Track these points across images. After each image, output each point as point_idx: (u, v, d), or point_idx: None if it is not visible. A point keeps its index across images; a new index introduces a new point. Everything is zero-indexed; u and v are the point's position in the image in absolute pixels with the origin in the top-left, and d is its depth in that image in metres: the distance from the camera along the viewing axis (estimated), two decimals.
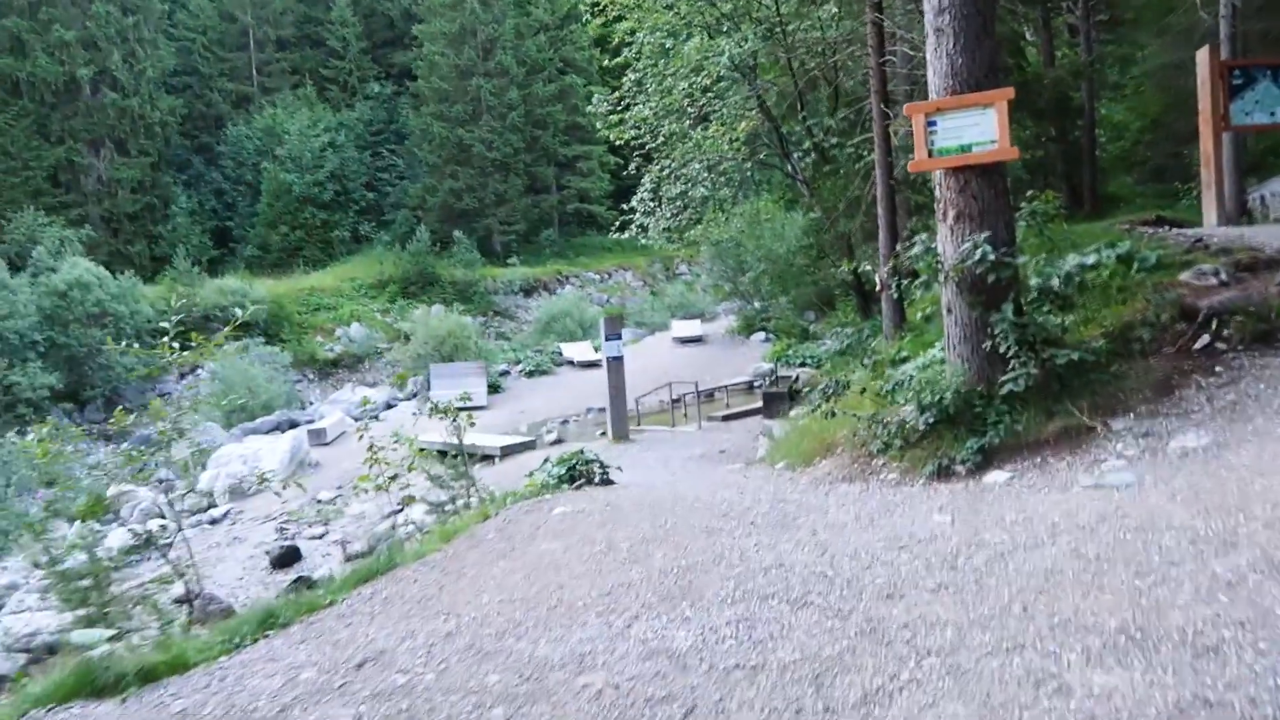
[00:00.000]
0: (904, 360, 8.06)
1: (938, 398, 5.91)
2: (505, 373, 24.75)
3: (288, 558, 11.24)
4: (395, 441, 8.76)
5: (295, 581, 9.53)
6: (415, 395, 22.46)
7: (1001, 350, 5.68)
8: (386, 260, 39.16)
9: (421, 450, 16.47)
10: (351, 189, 47.26)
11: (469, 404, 20.35)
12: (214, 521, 13.69)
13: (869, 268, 8.96)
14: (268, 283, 37.92)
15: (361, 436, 8.72)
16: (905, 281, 8.54)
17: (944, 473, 5.76)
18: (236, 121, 49.09)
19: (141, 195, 42.59)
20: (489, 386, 22.15)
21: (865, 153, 12.79)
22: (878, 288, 10.04)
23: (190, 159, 48.48)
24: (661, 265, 45.74)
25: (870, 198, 12.05)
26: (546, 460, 8.46)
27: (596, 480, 8.04)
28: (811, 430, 8.28)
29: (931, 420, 5.89)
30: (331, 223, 45.38)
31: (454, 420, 8.23)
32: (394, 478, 8.03)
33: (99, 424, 29.42)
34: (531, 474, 8.61)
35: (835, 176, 14.35)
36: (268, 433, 19.47)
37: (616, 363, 14.95)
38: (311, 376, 34.24)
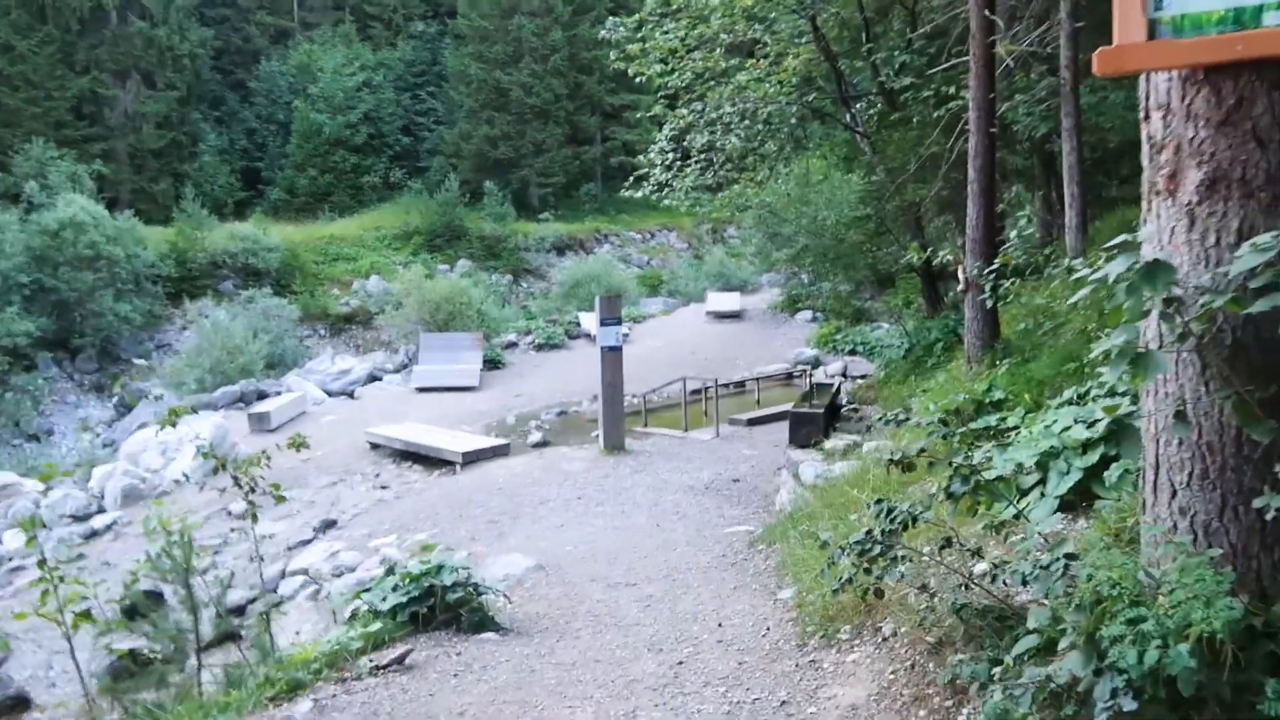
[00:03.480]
0: (1003, 432, 5.01)
1: (1154, 657, 2.23)
2: (512, 345, 21.95)
3: (144, 608, 8.55)
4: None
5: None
6: (405, 366, 19.78)
7: None
8: (413, 210, 36.50)
9: (374, 446, 13.83)
10: (387, 133, 44.77)
11: (456, 384, 17.68)
12: (92, 534, 11.15)
13: (949, 256, 5.84)
14: (286, 229, 35.71)
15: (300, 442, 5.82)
16: (1006, 281, 5.48)
17: None
18: (271, 57, 46.72)
19: (168, 131, 40.62)
20: (487, 362, 19.39)
21: (952, 92, 9.58)
22: (960, 286, 6.89)
23: (223, 95, 46.46)
24: (709, 227, 42.42)
25: (952, 156, 8.85)
26: (390, 573, 5.49)
27: (464, 626, 5.09)
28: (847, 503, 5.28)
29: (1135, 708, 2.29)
30: (363, 167, 43.01)
31: (245, 484, 5.36)
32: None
33: (91, 374, 27.49)
34: (356, 600, 5.52)
35: (906, 128, 11.11)
36: (224, 408, 16.94)
37: (613, 354, 12.04)
38: (323, 332, 32.02)
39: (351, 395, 18.18)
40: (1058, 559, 2.81)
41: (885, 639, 3.93)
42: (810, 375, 18.16)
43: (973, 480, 3.41)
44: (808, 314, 24.12)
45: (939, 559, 3.67)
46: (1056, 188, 10.06)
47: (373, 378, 19.48)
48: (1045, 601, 2.83)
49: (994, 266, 6.53)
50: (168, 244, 30.01)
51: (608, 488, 10.19)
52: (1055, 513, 3.80)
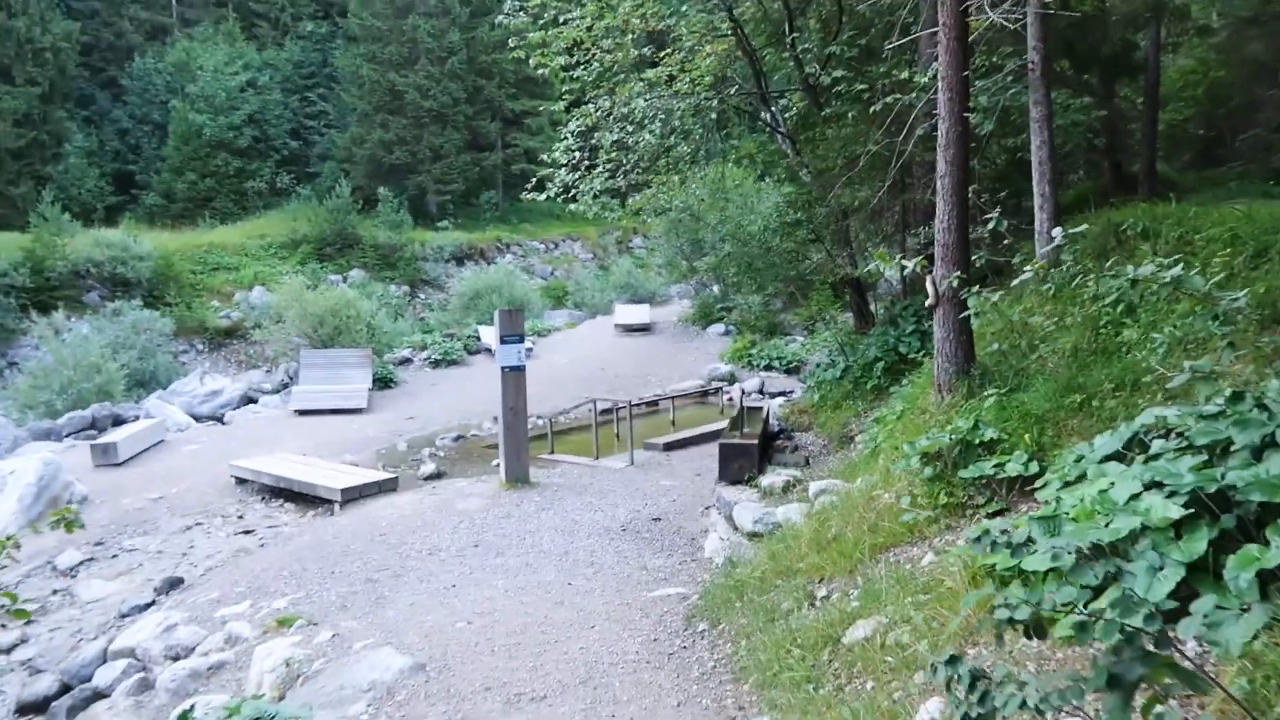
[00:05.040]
0: (1001, 483, 3.89)
1: None
2: (406, 361, 20.24)
3: None
4: None
5: None
6: (286, 386, 17.92)
7: None
8: (301, 217, 34.33)
9: (241, 482, 12.11)
10: (273, 136, 42.36)
11: (341, 406, 15.98)
12: None
13: (906, 265, 4.71)
14: (162, 236, 33.19)
15: None
16: (984, 293, 4.43)
17: None
18: (147, 54, 43.74)
19: (28, 130, 37.52)
20: (377, 380, 17.68)
21: (904, 79, 8.58)
22: (929, 300, 5.78)
23: (93, 94, 43.40)
24: (616, 237, 41.30)
25: (898, 153, 7.83)
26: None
27: None
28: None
29: None
30: (248, 172, 40.55)
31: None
32: None
33: None
34: None
35: (840, 124, 10.08)
36: (70, 436, 14.86)
37: (515, 375, 10.66)
38: (201, 347, 29.70)
39: (221, 420, 16.23)
40: None
41: None
42: (725, 392, 17.11)
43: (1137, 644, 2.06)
44: (720, 327, 23.12)
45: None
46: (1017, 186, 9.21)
47: (248, 399, 17.52)
48: None
49: (969, 276, 5.49)
50: (22, 251, 27.29)
51: (509, 531, 8.81)
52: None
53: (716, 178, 16.20)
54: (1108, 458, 3.70)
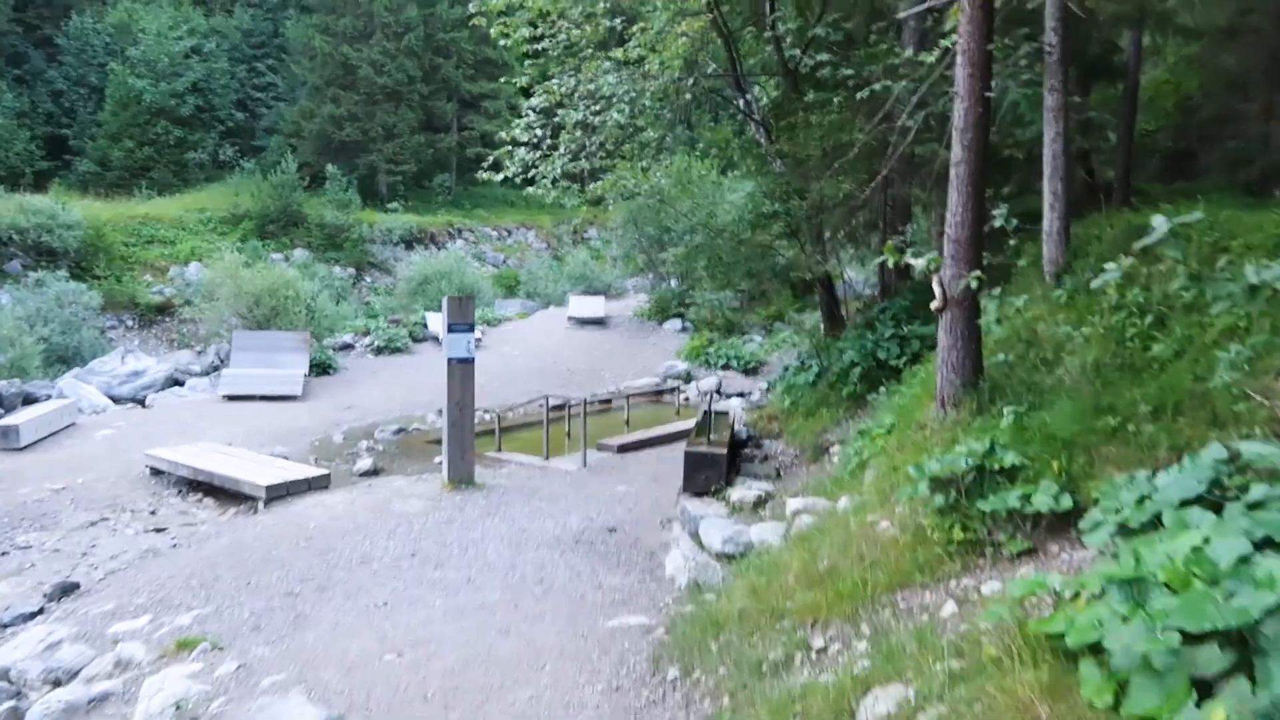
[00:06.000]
0: (1034, 518, 3.25)
1: None
2: (348, 347, 19.18)
3: None
4: None
5: None
6: (216, 369, 16.81)
7: None
8: (244, 192, 32.92)
9: (156, 473, 11.11)
10: (218, 106, 40.74)
11: (274, 392, 14.97)
12: None
13: (918, 260, 4.02)
14: (95, 205, 31.62)
15: None
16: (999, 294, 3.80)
17: None
18: (86, 14, 41.70)
19: None
20: (315, 366, 16.63)
21: (904, 56, 7.94)
22: (936, 302, 5.12)
23: (26, 52, 41.21)
24: (572, 227, 40.43)
25: (893, 144, 7.18)
26: None
27: None
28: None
29: None
30: (190, 142, 38.94)
31: None
32: None
33: None
34: None
35: (824, 111, 9.41)
36: None
37: (463, 367, 9.83)
38: (130, 323, 28.30)
39: (142, 403, 15.07)
40: None
41: None
42: (681, 391, 16.42)
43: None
44: (677, 323, 22.43)
45: None
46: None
47: (174, 382, 16.33)
48: None
49: (981, 275, 4.83)
50: None
51: (450, 539, 8.00)
52: None
53: (682, 168, 15.47)
54: (1187, 501, 3.06)
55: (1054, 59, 6.13)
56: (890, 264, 5.19)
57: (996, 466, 4.23)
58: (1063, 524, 3.98)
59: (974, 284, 4.66)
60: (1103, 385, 4.73)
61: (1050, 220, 6.28)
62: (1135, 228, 6.07)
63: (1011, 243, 5.90)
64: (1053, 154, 6.21)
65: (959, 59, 5.11)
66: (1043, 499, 3.96)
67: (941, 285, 5.15)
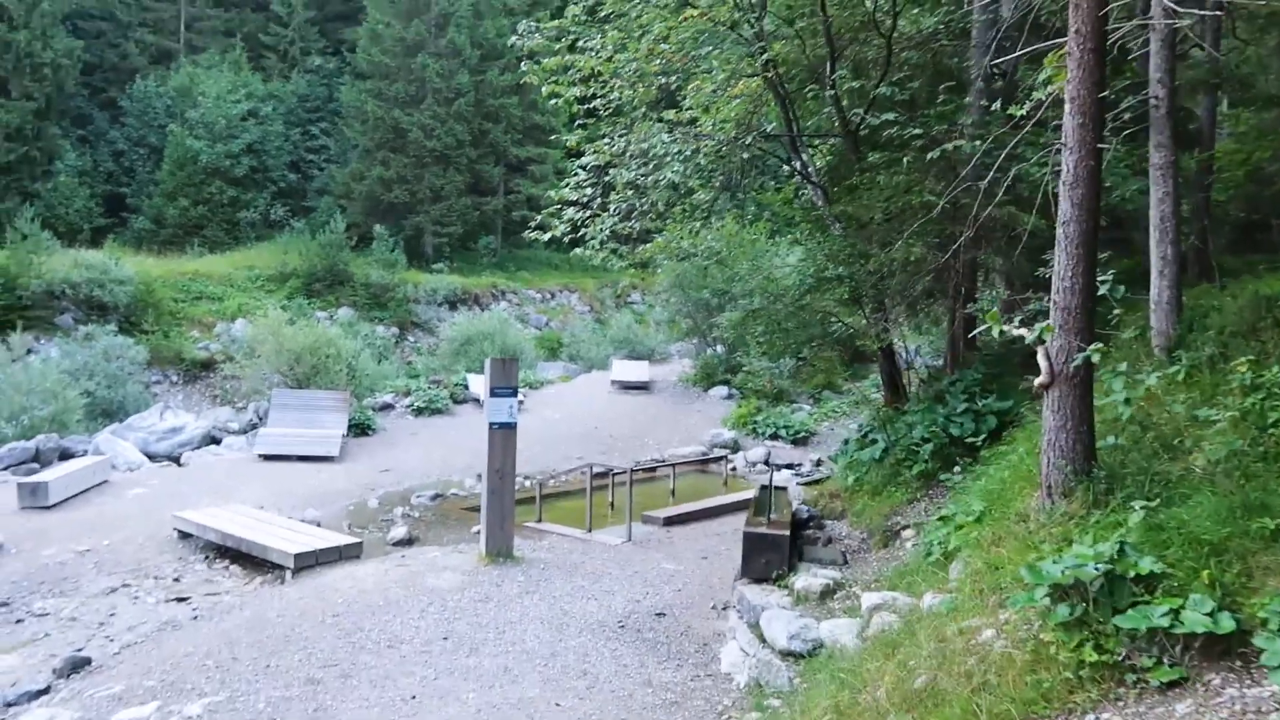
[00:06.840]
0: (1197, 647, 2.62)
1: None
2: (388, 407, 18.83)
3: None
4: None
5: None
6: (254, 427, 16.51)
7: None
8: (292, 250, 33.18)
9: (184, 536, 10.67)
10: (272, 167, 41.50)
11: (311, 453, 14.58)
12: None
13: (1024, 332, 3.45)
14: (146, 261, 32.10)
15: None
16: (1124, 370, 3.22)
17: None
18: (150, 77, 43.02)
19: (19, 145, 36.66)
20: (354, 426, 16.27)
21: (961, 115, 7.45)
22: (1041, 379, 4.53)
23: (91, 113, 42.60)
24: (618, 290, 40.26)
25: (977, 206, 6.65)
26: None
27: None
28: None
29: None
30: (242, 201, 39.61)
31: None
32: None
33: None
34: None
35: (890, 173, 8.94)
36: (7, 469, 13.39)
37: (504, 433, 9.35)
38: (175, 378, 28.34)
39: (178, 461, 14.78)
40: None
41: None
42: (729, 461, 15.77)
43: None
44: (723, 390, 21.84)
45: None
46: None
47: (211, 439, 16.05)
48: None
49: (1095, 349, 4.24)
50: None
51: (487, 620, 7.43)
52: None
53: (733, 230, 15.04)
54: None
55: (1161, 113, 5.61)
56: (995, 333, 4.63)
57: (1131, 574, 3.60)
58: (1219, 647, 3.32)
59: (1095, 358, 4.09)
60: (1245, 479, 4.09)
61: (1160, 288, 5.68)
62: (1264, 298, 5.45)
63: (1116, 312, 5.31)
64: (1160, 215, 5.64)
65: (1067, 107, 4.61)
66: (1196, 616, 3.31)
67: (1049, 358, 4.57)
